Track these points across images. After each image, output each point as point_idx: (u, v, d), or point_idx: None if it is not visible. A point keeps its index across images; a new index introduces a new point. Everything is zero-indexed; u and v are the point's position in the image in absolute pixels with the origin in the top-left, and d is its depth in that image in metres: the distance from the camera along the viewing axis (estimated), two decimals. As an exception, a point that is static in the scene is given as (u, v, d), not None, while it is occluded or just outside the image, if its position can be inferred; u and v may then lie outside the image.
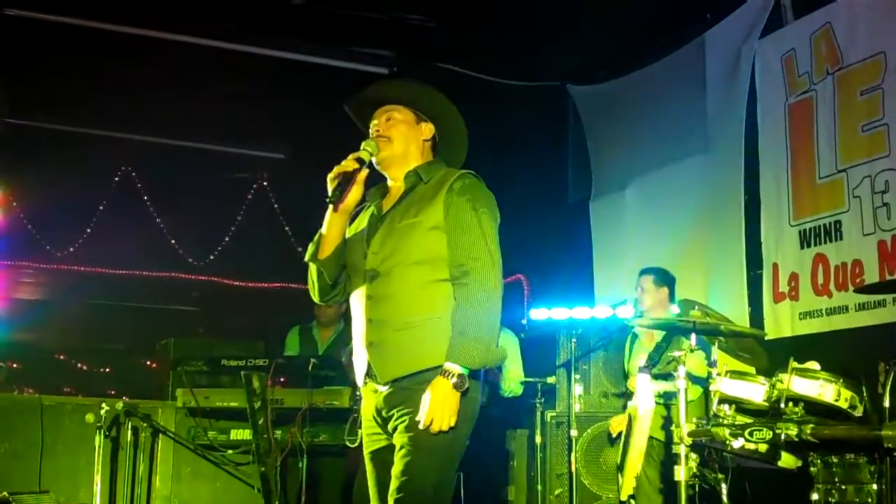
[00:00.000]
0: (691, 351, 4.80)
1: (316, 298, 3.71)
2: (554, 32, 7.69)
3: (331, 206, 3.52)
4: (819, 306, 6.11)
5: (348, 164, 3.47)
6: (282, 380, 6.12)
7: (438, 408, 3.23)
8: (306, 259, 3.65)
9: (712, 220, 7.05)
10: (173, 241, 10.46)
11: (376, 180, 3.69)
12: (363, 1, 7.63)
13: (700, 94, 7.30)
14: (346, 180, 3.46)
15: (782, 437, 4.26)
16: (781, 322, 6.38)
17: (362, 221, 3.65)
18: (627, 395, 6.11)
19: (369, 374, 3.49)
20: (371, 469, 3.53)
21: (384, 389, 3.42)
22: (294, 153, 10.15)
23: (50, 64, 8.31)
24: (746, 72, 6.82)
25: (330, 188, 3.45)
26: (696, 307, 5.07)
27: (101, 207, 10.16)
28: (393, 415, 3.38)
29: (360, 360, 3.53)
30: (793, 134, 6.44)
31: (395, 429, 3.37)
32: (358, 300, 3.54)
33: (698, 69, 7.33)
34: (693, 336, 4.85)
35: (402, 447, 3.31)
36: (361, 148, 3.54)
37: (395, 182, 3.65)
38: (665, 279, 6.37)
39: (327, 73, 8.35)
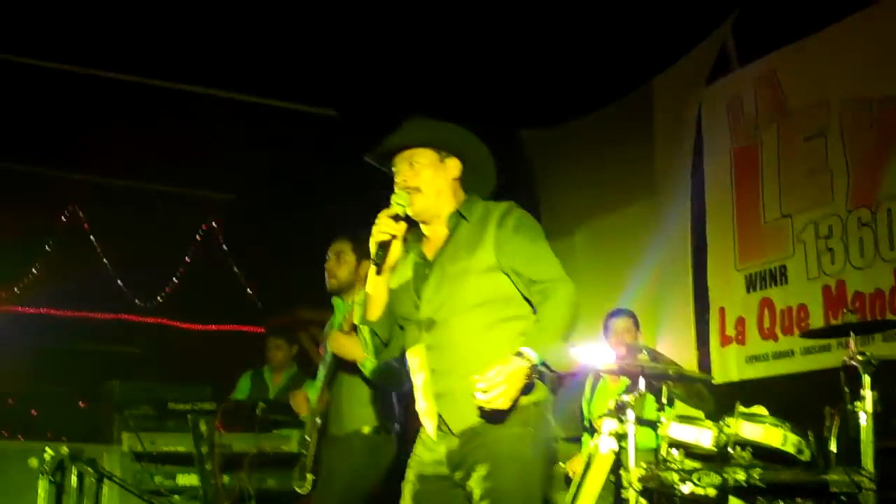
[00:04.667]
0: (640, 395, 4.80)
1: (372, 358, 3.65)
2: (505, 78, 7.74)
3: (374, 268, 3.41)
4: (765, 350, 6.17)
5: (387, 227, 3.36)
6: (231, 424, 6.04)
7: (504, 378, 3.11)
8: (356, 322, 3.60)
9: (660, 265, 7.11)
10: (120, 283, 10.34)
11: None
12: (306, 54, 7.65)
13: (648, 139, 7.39)
14: (388, 243, 3.38)
15: (730, 481, 4.26)
16: (728, 366, 6.43)
17: (406, 270, 3.52)
18: (589, 433, 6.03)
19: (441, 426, 3.38)
20: (420, 488, 3.40)
21: (457, 436, 3.33)
22: (244, 194, 10.10)
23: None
24: (693, 117, 6.91)
25: (373, 251, 3.37)
26: (644, 351, 5.08)
27: (48, 248, 10.03)
28: (466, 460, 3.28)
29: (427, 412, 3.42)
30: (738, 179, 6.54)
31: (467, 474, 3.27)
32: (415, 351, 3.44)
33: (646, 115, 7.43)
34: (641, 380, 4.85)
35: (481, 497, 3.21)
36: (392, 202, 3.40)
37: (432, 227, 3.52)
38: (638, 324, 6.15)
39: (277, 115, 8.34)
